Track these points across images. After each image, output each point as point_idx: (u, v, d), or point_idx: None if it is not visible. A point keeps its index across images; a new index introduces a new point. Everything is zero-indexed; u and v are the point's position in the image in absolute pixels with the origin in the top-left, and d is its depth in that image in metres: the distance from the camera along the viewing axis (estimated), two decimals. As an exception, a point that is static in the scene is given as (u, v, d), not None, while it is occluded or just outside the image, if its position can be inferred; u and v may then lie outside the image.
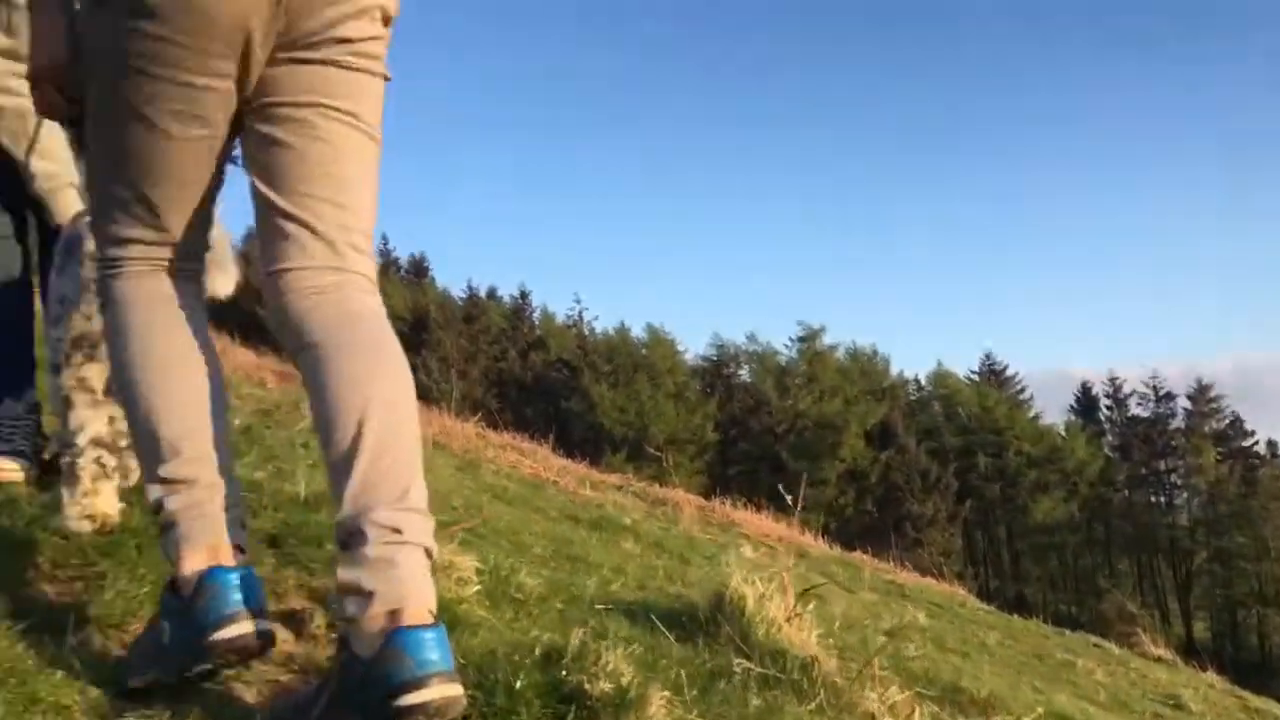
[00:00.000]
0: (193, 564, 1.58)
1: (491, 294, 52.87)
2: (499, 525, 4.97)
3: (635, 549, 6.55)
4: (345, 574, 1.51)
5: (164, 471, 1.64)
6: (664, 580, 4.75)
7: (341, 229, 1.71)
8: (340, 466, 1.57)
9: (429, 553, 1.56)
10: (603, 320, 58.30)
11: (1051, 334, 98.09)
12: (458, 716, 1.47)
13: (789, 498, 3.16)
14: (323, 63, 1.69)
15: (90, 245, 2.08)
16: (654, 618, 2.69)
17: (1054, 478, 47.62)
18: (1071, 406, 55.72)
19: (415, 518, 1.55)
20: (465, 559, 2.25)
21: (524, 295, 53.11)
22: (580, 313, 51.86)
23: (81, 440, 2.12)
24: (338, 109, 1.71)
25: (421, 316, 45.31)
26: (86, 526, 2.11)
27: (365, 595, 1.48)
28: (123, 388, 1.74)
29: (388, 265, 53.46)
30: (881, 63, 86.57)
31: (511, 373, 46.10)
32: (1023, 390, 53.41)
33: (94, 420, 2.13)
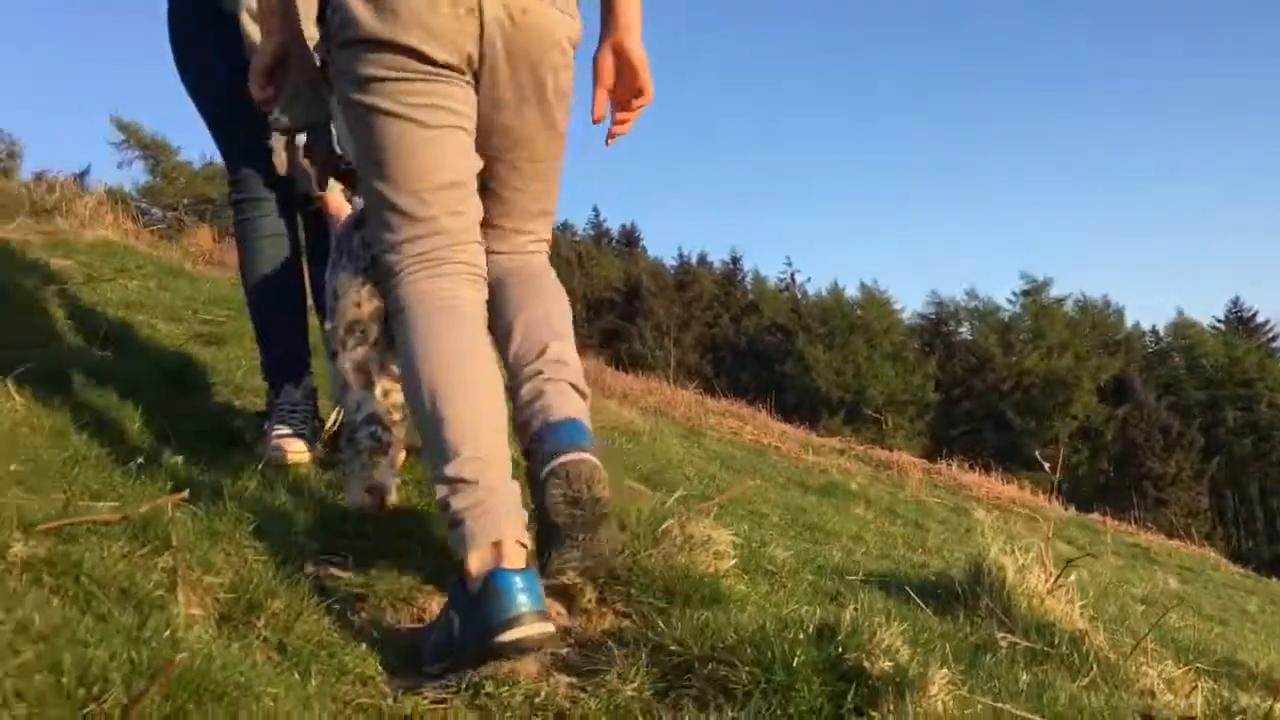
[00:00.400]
0: (479, 563, 1.69)
1: (702, 260, 53.01)
2: (733, 494, 5.01)
3: (868, 515, 6.48)
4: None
5: (450, 470, 1.75)
6: (905, 549, 4.69)
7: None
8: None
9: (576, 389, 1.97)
10: (815, 282, 57.56)
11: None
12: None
13: (1046, 465, 3.01)
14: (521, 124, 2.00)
15: (357, 240, 2.27)
16: (908, 589, 2.65)
17: (1315, 430, 43.94)
18: (1334, 352, 51.22)
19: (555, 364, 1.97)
20: (722, 533, 2.27)
21: (735, 260, 53.00)
22: (792, 275, 51.39)
23: (359, 417, 2.27)
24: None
25: (634, 286, 45.91)
26: (367, 499, 2.27)
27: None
28: (409, 393, 1.90)
29: (600, 237, 54.41)
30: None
31: (725, 338, 46.17)
32: (1275, 338, 49.44)
33: (369, 399, 2.28)
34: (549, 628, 1.68)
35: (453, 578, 1.75)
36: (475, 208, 1.99)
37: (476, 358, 1.87)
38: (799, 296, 49.74)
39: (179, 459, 2.36)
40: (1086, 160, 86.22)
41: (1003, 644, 2.25)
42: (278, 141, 2.70)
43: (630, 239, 55.69)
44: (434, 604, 1.98)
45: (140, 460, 2.21)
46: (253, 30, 2.65)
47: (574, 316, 2.25)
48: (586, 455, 1.87)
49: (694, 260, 52.41)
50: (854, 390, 40.78)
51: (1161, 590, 7.32)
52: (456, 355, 1.85)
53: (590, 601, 2.01)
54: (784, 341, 44.46)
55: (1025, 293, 46.73)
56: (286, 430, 2.77)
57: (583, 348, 2.03)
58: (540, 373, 1.95)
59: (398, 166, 1.89)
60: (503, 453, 1.81)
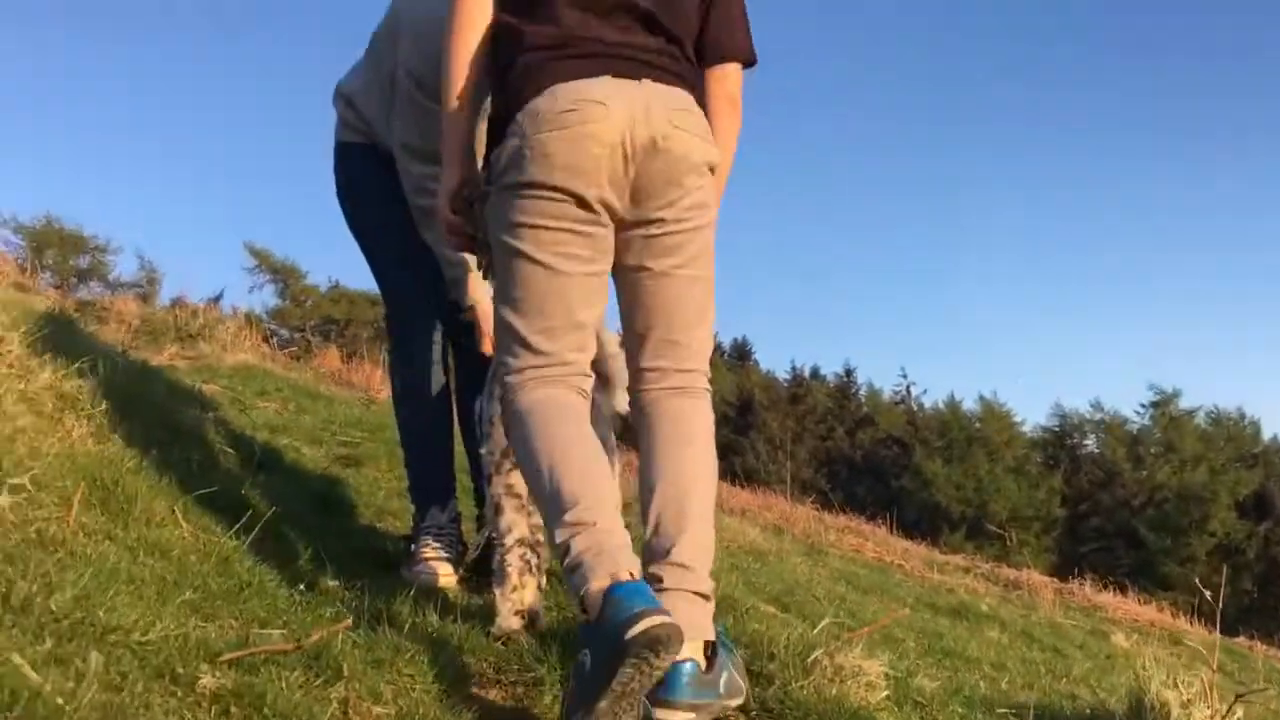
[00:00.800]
0: (597, 585, 1.83)
1: (815, 374, 52.72)
2: (865, 616, 4.91)
3: (1002, 638, 6.25)
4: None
5: (569, 517, 1.92)
6: (1049, 677, 4.50)
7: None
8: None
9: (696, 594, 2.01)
10: (931, 394, 56.53)
11: None
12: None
13: (1207, 593, 2.89)
14: (663, 234, 2.16)
15: None
16: (1064, 724, 2.55)
17: None
18: None
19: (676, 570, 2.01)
20: (872, 664, 2.23)
21: (849, 373, 52.50)
22: (908, 387, 50.57)
23: (510, 540, 2.39)
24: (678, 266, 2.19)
25: (747, 400, 45.80)
26: (517, 623, 2.35)
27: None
28: (529, 477, 2.10)
29: (712, 351, 54.56)
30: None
31: (840, 451, 45.53)
32: None
33: (520, 522, 2.41)
34: (673, 620, 1.75)
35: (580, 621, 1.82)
36: (593, 347, 2.22)
37: (585, 440, 2.08)
38: (915, 409, 48.94)
39: (336, 583, 2.43)
40: (1201, 265, 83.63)
41: (1175, 787, 2.15)
42: (470, 263, 2.75)
43: (742, 352, 55.77)
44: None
45: (301, 586, 2.29)
46: (409, 164, 2.82)
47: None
48: (670, 619, 1.79)
49: (807, 373, 52.21)
50: (975, 505, 39.62)
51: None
52: (567, 438, 2.06)
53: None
54: (901, 455, 43.64)
55: (1154, 404, 45.16)
56: (434, 553, 2.84)
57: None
58: (660, 579, 2.01)
59: (530, 304, 2.12)
60: (614, 504, 2.00)
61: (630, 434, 2.36)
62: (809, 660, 2.21)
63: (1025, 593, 11.90)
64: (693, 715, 1.93)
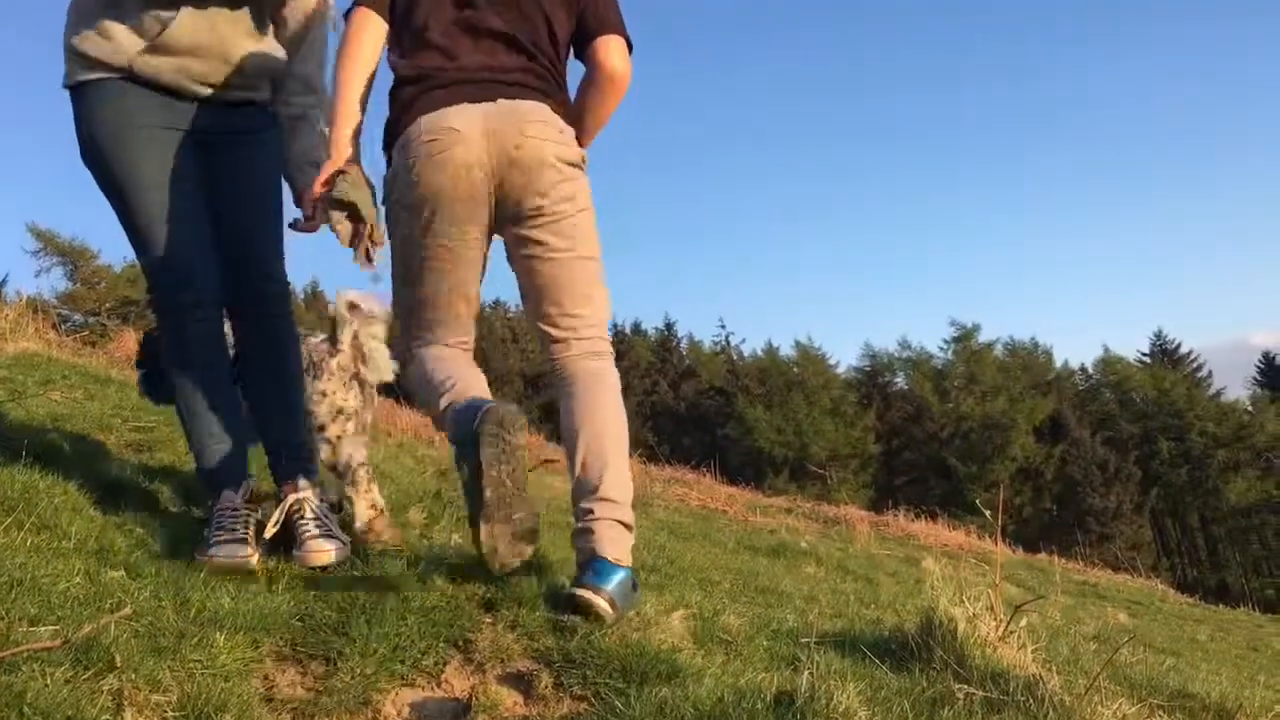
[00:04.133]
0: (445, 408, 2.57)
1: (637, 328, 53.31)
2: (684, 563, 5.00)
3: (819, 573, 6.51)
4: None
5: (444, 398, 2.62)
6: (858, 605, 4.70)
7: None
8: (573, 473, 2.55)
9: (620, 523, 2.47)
10: (750, 342, 57.99)
11: (1225, 305, 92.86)
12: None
13: (988, 513, 3.07)
14: (543, 223, 2.60)
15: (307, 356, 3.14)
16: (863, 647, 2.67)
17: (1245, 456, 44.89)
18: (1255, 379, 52.62)
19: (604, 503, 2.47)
20: (676, 612, 2.27)
21: (669, 326, 53.35)
22: (727, 338, 51.78)
23: (354, 461, 3.15)
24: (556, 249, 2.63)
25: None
26: (372, 514, 3.11)
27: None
28: (422, 389, 2.70)
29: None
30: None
31: (665, 404, 46.26)
32: (1200, 368, 50.70)
33: (358, 448, 3.18)
34: (505, 402, 2.43)
35: None
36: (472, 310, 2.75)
37: (468, 372, 2.67)
38: (735, 358, 50.12)
39: (119, 574, 2.31)
40: (993, 200, 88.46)
41: (959, 696, 2.27)
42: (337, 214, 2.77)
43: (563, 312, 55.66)
44: (388, 705, 1.95)
45: (78, 580, 2.16)
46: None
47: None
48: (598, 600, 2.33)
49: (628, 329, 52.69)
50: (796, 448, 40.97)
51: (1112, 626, 7.42)
52: (458, 373, 2.66)
53: (547, 687, 2.00)
54: (724, 404, 44.68)
55: (956, 339, 47.54)
56: (228, 535, 2.73)
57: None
58: (591, 511, 2.47)
59: (427, 284, 2.66)
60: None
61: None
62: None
63: (844, 527, 12.43)
64: (608, 607, 2.31)
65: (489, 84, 2.57)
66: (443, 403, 2.55)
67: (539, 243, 2.61)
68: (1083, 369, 52.21)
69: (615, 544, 2.42)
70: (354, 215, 2.57)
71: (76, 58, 2.76)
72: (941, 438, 43.21)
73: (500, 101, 2.54)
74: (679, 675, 2.02)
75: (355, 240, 2.59)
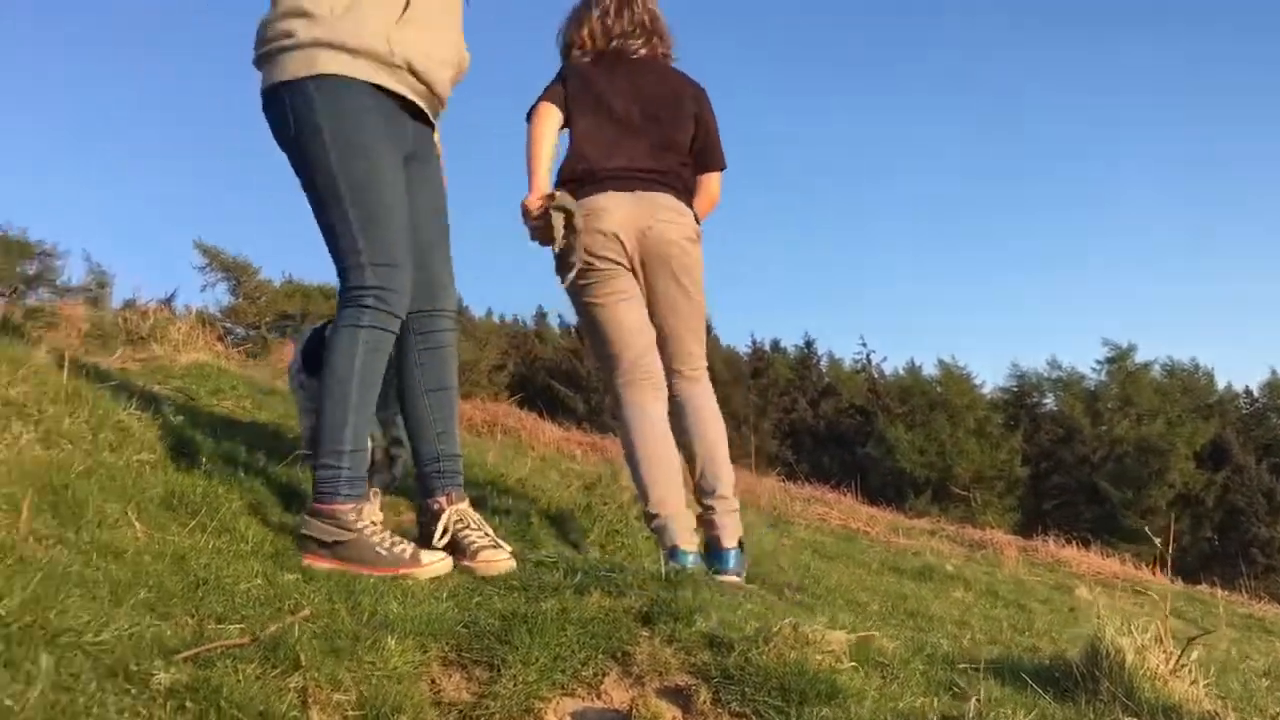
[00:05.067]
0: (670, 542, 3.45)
1: (775, 346, 52.91)
2: (830, 583, 4.95)
3: (968, 597, 6.33)
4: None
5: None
6: (1012, 631, 4.57)
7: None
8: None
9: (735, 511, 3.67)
10: (891, 361, 56.84)
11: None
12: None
13: (1157, 540, 2.95)
14: (671, 278, 3.66)
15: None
16: (1024, 675, 2.59)
17: None
18: None
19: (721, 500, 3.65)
20: (836, 633, 2.26)
21: (809, 344, 52.74)
22: (868, 356, 50.81)
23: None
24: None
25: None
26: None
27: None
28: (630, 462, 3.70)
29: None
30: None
31: (804, 423, 45.73)
32: (1376, 391, 47.55)
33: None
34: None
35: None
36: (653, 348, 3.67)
37: (661, 434, 3.57)
38: (876, 376, 49.26)
39: (294, 577, 2.42)
40: (1152, 210, 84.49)
41: (1130, 729, 2.19)
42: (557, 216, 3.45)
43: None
44: (550, 713, 1.99)
45: (258, 581, 2.28)
46: None
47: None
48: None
49: (767, 346, 52.38)
50: (939, 469, 39.95)
51: (1285, 663, 7.00)
52: (652, 433, 3.56)
53: (705, 702, 2.01)
54: (864, 423, 43.90)
55: (1109, 359, 45.71)
56: (396, 540, 2.83)
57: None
58: (714, 509, 3.63)
59: (609, 331, 3.60)
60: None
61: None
62: (772, 628, 2.23)
63: (990, 552, 12.06)
64: (737, 579, 3.49)
65: (631, 179, 3.58)
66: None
67: (672, 287, 3.68)
68: (1248, 392, 49.52)
69: (731, 531, 3.60)
70: (569, 223, 3.29)
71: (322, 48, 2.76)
72: (1093, 461, 41.53)
73: (638, 192, 3.57)
74: (839, 696, 2.00)
75: (567, 240, 3.33)
